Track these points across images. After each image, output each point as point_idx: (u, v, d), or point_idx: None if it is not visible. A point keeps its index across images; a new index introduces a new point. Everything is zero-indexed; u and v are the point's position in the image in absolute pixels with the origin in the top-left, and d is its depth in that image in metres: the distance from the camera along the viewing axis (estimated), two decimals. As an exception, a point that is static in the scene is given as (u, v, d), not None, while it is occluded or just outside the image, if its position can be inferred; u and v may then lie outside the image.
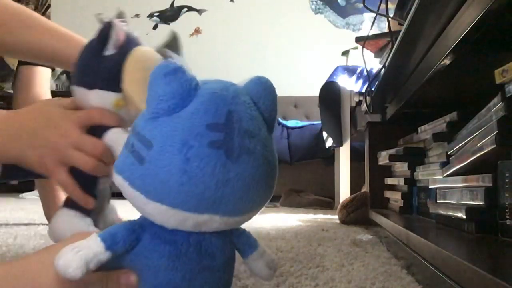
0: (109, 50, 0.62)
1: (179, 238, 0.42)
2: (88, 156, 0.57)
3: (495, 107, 0.66)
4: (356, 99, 1.86)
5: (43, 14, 1.05)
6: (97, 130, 0.60)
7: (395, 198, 1.30)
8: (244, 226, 0.48)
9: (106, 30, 0.62)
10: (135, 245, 0.41)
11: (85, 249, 0.38)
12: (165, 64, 0.40)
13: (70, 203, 0.62)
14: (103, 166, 0.59)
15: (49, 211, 1.34)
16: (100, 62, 0.61)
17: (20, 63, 1.29)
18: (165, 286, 0.41)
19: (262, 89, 0.43)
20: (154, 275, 0.41)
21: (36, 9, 1.01)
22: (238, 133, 0.39)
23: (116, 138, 0.59)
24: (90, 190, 0.62)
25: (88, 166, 0.57)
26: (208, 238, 0.43)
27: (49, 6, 1.08)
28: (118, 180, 0.41)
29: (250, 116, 0.41)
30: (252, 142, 0.40)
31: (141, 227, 0.42)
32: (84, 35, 0.73)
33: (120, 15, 0.67)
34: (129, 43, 0.64)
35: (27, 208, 2.04)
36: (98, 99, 0.61)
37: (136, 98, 0.59)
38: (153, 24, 3.95)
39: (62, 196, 1.34)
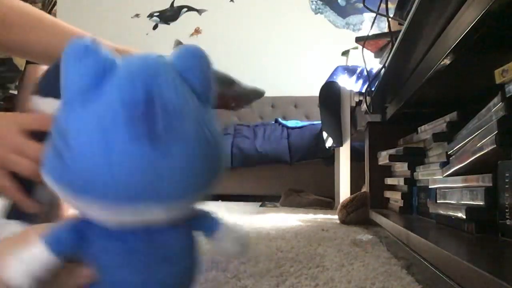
0: None
1: (126, 233, 0.39)
2: (28, 160, 0.54)
3: (495, 107, 0.66)
4: (356, 99, 1.86)
5: (49, 11, 1.05)
6: (41, 136, 0.58)
7: (395, 198, 1.30)
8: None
9: None
10: (83, 246, 0.39)
11: (28, 258, 0.36)
12: (76, 43, 0.36)
13: (13, 213, 0.59)
14: None
15: None
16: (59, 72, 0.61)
17: (27, 62, 1.29)
18: (122, 284, 0.39)
19: (190, 59, 0.39)
20: (108, 274, 0.39)
21: (43, 7, 1.01)
22: (161, 115, 0.35)
23: None
24: (34, 195, 0.58)
25: (27, 170, 0.54)
26: (159, 230, 0.40)
27: (55, 3, 1.08)
28: (47, 179, 0.38)
29: (175, 91, 0.36)
30: (179, 122, 0.36)
31: (87, 225, 0.39)
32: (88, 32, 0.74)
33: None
34: None
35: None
36: (49, 106, 0.58)
37: None
38: (153, 24, 3.95)
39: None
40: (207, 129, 0.38)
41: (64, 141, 0.36)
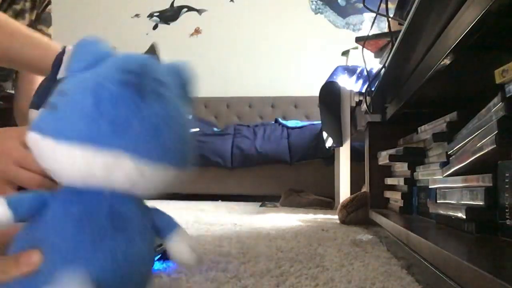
0: (61, 74, 0.62)
1: (89, 198, 0.40)
2: (32, 173, 0.54)
3: (495, 107, 0.66)
4: (356, 99, 1.86)
5: (42, 11, 1.04)
6: None
7: (395, 198, 1.30)
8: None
9: (60, 56, 0.63)
10: (43, 212, 0.40)
11: None
12: (86, 37, 0.43)
13: None
14: (50, 182, 0.55)
15: None
16: (52, 85, 0.62)
17: None
18: (72, 249, 0.39)
19: (178, 68, 0.46)
20: (61, 239, 0.39)
21: (34, 7, 1.00)
22: (151, 79, 0.40)
23: None
24: None
25: (33, 183, 0.54)
26: (122, 202, 0.41)
27: (49, 3, 1.07)
28: (31, 138, 0.41)
29: (164, 74, 0.43)
30: (164, 90, 0.41)
31: (51, 194, 0.41)
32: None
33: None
34: None
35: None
36: None
37: None
38: (153, 24, 3.95)
39: None
40: (182, 110, 0.43)
41: (61, 96, 0.40)
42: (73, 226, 0.39)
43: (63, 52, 0.63)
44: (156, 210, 0.46)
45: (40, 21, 1.03)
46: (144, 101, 0.39)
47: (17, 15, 0.95)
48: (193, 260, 0.44)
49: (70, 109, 0.39)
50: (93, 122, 0.38)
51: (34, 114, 0.61)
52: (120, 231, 0.40)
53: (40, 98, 0.62)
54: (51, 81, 0.63)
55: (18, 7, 0.94)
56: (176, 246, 0.44)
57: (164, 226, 0.45)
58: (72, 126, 0.38)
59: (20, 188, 0.56)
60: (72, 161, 0.38)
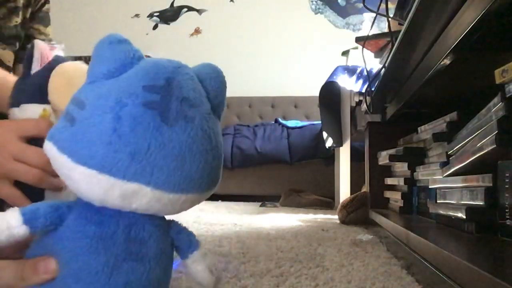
0: (35, 68, 0.60)
1: (106, 218, 0.38)
2: (30, 167, 0.52)
3: (495, 107, 0.66)
4: (356, 99, 1.86)
5: (39, 10, 1.03)
6: (36, 142, 0.55)
7: (395, 198, 1.30)
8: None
9: (30, 51, 0.61)
10: (58, 225, 0.38)
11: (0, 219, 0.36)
12: (111, 34, 0.39)
13: None
14: (49, 177, 0.54)
15: None
16: (26, 80, 0.60)
17: (18, 61, 1.28)
18: (86, 272, 0.37)
19: (211, 71, 0.42)
20: (75, 259, 0.37)
21: (29, 4, 0.99)
22: (177, 99, 0.37)
23: None
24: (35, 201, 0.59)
25: (31, 177, 0.52)
26: (140, 223, 0.39)
27: (46, 2, 1.06)
28: (47, 148, 0.38)
29: (192, 87, 0.39)
30: (191, 111, 0.37)
31: (68, 206, 0.39)
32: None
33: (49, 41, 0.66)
34: (56, 61, 0.62)
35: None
36: (24, 113, 0.58)
37: (62, 105, 0.58)
38: (153, 24, 3.95)
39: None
40: (212, 131, 0.39)
41: (79, 107, 0.37)
42: (88, 248, 0.37)
43: (31, 47, 0.62)
44: (176, 226, 0.44)
45: (37, 20, 1.03)
46: (169, 125, 0.36)
47: (12, 13, 0.94)
48: (211, 282, 0.44)
49: (88, 128, 0.35)
50: (112, 150, 0.35)
51: (16, 112, 0.60)
52: (136, 257, 0.38)
53: (18, 96, 0.61)
54: (23, 78, 0.61)
55: (12, 4, 0.93)
56: (195, 267, 0.43)
57: (184, 245, 0.43)
58: (90, 151, 0.35)
59: (17, 182, 0.55)
60: (89, 186, 0.36)
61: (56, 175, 0.54)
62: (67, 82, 0.57)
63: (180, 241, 0.43)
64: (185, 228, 0.44)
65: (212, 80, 0.41)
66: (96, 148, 0.35)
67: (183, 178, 0.37)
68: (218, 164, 0.40)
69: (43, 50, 0.60)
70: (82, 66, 0.62)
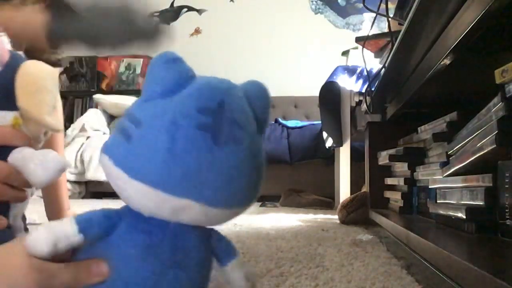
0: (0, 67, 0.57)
1: (154, 228, 0.41)
2: None
3: (495, 107, 0.66)
4: (356, 99, 1.86)
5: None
6: (2, 152, 0.53)
7: (395, 198, 1.30)
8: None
9: None
10: (109, 233, 0.41)
11: (57, 228, 0.39)
12: (166, 52, 0.40)
13: None
14: (10, 189, 0.53)
15: (50, 211, 1.34)
16: None
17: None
18: (134, 278, 0.40)
19: (258, 89, 0.45)
20: (124, 265, 0.40)
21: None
22: (228, 121, 0.39)
23: (22, 157, 0.52)
24: (2, 213, 0.56)
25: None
26: (184, 233, 0.42)
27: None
28: (103, 160, 0.40)
29: (242, 109, 0.41)
30: (240, 132, 0.40)
31: (118, 215, 0.42)
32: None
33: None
34: (15, 59, 0.58)
35: (28, 207, 2.04)
36: None
37: (34, 111, 0.55)
38: (153, 24, 3.95)
39: (66, 197, 1.33)
40: (257, 150, 0.43)
41: (135, 125, 0.39)
42: (138, 255, 0.40)
43: None
44: (216, 234, 0.47)
45: None
46: (219, 147, 0.38)
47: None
48: None
49: (144, 147, 0.38)
50: (166, 168, 0.37)
51: None
52: (180, 265, 0.41)
53: None
54: None
55: None
56: (233, 275, 0.46)
57: (223, 254, 0.46)
58: (145, 168, 0.37)
59: None
60: (141, 199, 0.39)
61: (17, 186, 0.53)
62: (35, 88, 0.55)
63: (220, 249, 0.46)
64: (225, 237, 0.47)
65: (258, 100, 0.44)
66: (151, 166, 0.37)
67: (229, 195, 0.40)
68: (261, 179, 0.44)
69: (2, 49, 0.57)
70: (45, 66, 0.58)
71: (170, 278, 0.41)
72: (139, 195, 0.38)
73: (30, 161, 0.50)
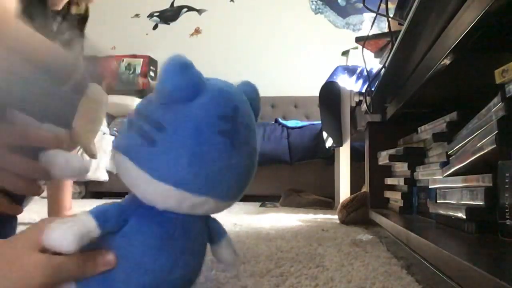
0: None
1: (166, 220, 0.44)
2: (12, 175, 0.53)
3: (495, 107, 0.66)
4: (356, 99, 1.86)
5: None
6: (24, 149, 0.55)
7: (395, 198, 1.30)
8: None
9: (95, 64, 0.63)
10: (122, 226, 0.43)
11: (79, 224, 0.40)
12: (178, 57, 0.42)
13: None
14: (31, 185, 0.55)
15: (52, 210, 1.35)
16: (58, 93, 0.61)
17: None
18: (153, 265, 0.43)
19: (252, 90, 0.49)
20: (144, 255, 0.43)
21: None
22: (242, 126, 0.44)
23: (53, 152, 0.53)
24: (18, 203, 0.60)
25: (13, 186, 0.53)
26: (191, 222, 0.46)
27: None
28: (122, 160, 0.42)
29: (249, 113, 0.46)
30: (250, 135, 0.45)
31: (131, 209, 0.44)
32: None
33: None
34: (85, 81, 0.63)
35: (28, 207, 2.04)
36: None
37: (84, 137, 0.59)
38: (153, 24, 3.95)
39: (69, 198, 1.35)
40: (256, 145, 0.47)
41: (158, 129, 0.41)
42: (157, 246, 0.43)
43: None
44: (211, 218, 0.51)
45: None
46: (235, 150, 0.43)
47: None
48: (235, 262, 0.53)
49: (169, 151, 0.41)
50: (190, 171, 0.40)
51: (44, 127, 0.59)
52: (189, 251, 0.46)
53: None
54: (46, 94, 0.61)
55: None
56: (225, 251, 0.52)
57: (216, 233, 0.51)
58: (170, 171, 0.41)
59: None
60: (164, 198, 0.42)
61: (38, 181, 0.55)
62: (94, 117, 0.59)
63: (214, 229, 0.51)
64: (215, 218, 0.52)
65: (254, 101, 0.48)
66: (177, 168, 0.41)
67: (238, 191, 0.45)
68: (255, 169, 0.48)
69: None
70: (105, 94, 0.63)
71: (182, 264, 0.45)
72: (160, 194, 0.42)
73: (61, 156, 0.51)
